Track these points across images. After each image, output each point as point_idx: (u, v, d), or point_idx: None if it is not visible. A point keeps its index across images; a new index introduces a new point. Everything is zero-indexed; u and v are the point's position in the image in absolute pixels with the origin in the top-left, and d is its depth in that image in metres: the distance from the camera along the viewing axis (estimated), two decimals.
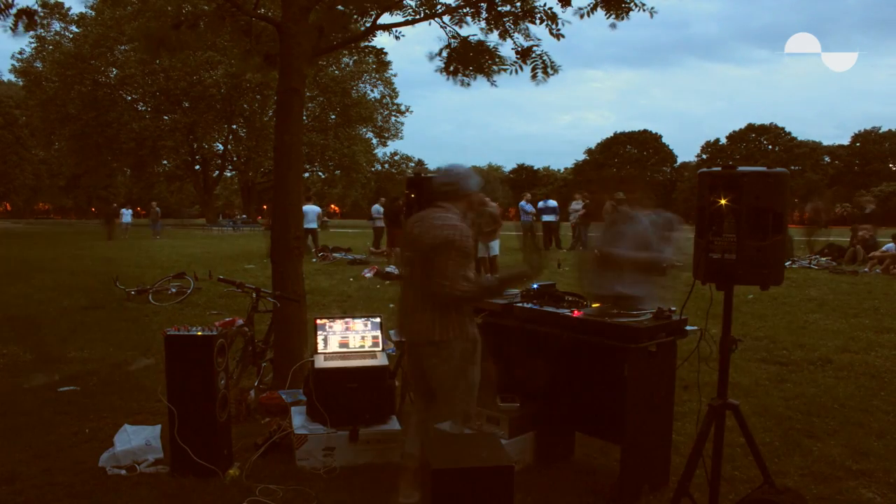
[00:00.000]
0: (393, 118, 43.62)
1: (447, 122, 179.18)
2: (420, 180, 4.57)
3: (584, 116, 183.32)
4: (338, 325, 4.30)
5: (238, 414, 4.42)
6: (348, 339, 4.29)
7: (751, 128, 72.54)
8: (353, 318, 4.36)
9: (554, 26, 6.04)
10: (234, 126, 38.90)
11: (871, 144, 68.08)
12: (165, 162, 40.87)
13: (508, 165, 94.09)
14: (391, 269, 12.11)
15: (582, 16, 5.87)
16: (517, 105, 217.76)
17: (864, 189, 59.20)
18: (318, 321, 4.31)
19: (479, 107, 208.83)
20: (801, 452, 4.03)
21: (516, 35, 6.23)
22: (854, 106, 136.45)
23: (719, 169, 2.69)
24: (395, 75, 41.47)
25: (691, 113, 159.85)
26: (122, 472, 3.62)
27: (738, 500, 3.10)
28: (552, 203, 19.65)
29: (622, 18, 5.84)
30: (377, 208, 18.77)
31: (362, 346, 4.28)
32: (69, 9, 34.67)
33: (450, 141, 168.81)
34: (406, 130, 44.54)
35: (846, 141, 71.68)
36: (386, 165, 58.23)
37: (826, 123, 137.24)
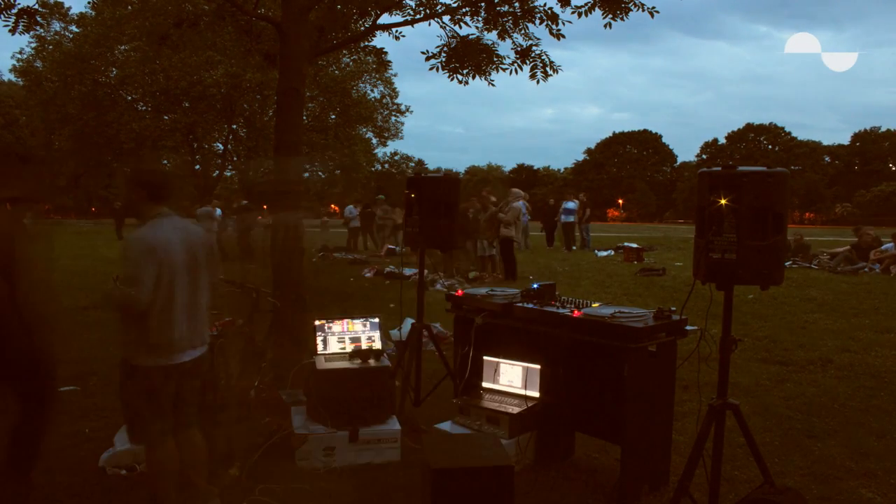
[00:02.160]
0: (393, 118, 43.58)
1: (424, 116, 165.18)
2: (420, 180, 4.57)
3: (567, 109, 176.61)
4: (336, 326, 4.30)
5: (238, 414, 4.42)
6: (345, 339, 4.29)
7: (749, 127, 72.58)
8: (353, 318, 4.36)
9: (554, 26, 6.03)
10: (234, 126, 38.87)
11: (870, 144, 68.07)
12: (166, 162, 40.82)
13: (505, 164, 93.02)
14: (391, 268, 12.12)
15: (580, 15, 5.85)
16: (490, 96, 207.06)
17: (864, 189, 59.24)
18: (317, 322, 4.31)
19: (451, 100, 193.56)
20: (801, 452, 4.03)
21: (515, 35, 6.23)
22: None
23: (719, 169, 2.69)
24: (395, 75, 41.44)
25: (681, 104, 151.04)
26: (122, 472, 3.62)
27: (738, 500, 3.10)
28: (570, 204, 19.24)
29: (621, 19, 5.82)
30: (350, 209, 20.29)
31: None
32: (69, 8, 34.68)
33: (434, 138, 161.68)
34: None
35: (848, 135, 71.54)
36: (386, 165, 58.20)
37: (828, 116, 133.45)
